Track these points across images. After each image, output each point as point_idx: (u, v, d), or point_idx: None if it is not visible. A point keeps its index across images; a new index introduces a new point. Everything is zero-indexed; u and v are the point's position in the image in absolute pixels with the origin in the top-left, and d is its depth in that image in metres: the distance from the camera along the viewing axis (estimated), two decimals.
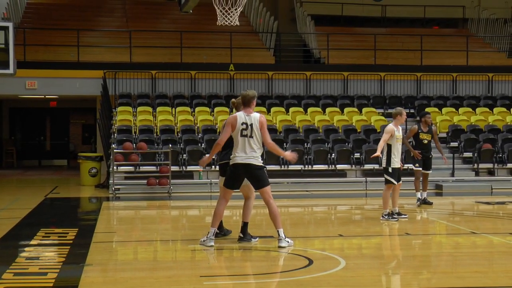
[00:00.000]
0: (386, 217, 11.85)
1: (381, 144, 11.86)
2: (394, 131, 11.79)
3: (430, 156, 14.11)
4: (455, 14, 29.06)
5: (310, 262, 8.21)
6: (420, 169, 13.94)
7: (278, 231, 9.15)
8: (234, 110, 9.93)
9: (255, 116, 9.09)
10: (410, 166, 15.03)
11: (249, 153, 9.02)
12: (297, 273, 7.65)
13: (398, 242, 10.39)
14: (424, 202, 13.94)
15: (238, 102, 9.61)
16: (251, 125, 9.04)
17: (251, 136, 9.03)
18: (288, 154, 9.50)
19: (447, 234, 11.16)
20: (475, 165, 18.75)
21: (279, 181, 17.07)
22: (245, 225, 9.59)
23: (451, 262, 8.62)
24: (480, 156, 18.70)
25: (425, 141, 13.98)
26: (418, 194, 13.95)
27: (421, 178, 13.99)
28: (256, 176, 9.10)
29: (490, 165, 18.77)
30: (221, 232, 9.84)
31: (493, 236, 10.43)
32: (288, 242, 9.11)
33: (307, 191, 17.31)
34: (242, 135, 9.06)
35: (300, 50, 25.74)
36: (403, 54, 24.40)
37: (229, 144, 9.31)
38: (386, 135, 11.78)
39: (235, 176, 9.19)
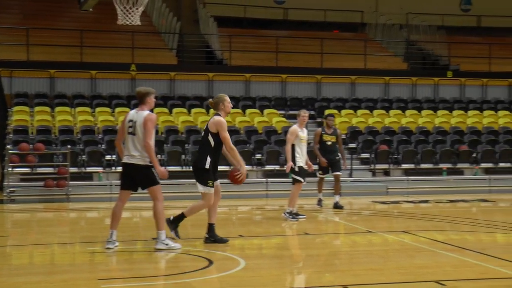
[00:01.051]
0: (288, 215, 12.14)
1: (288, 149, 12.13)
2: (298, 132, 12.15)
3: (337, 158, 14.09)
4: (354, 19, 29.80)
5: (210, 263, 8.22)
6: (324, 176, 14.06)
7: (158, 232, 8.97)
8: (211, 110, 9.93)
9: (143, 114, 8.89)
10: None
11: (132, 152, 8.87)
12: (197, 274, 7.64)
13: (297, 241, 10.55)
14: (336, 206, 13.95)
15: (215, 102, 9.66)
16: (136, 122, 8.88)
17: (134, 134, 8.87)
18: (160, 170, 8.97)
19: (345, 233, 11.43)
20: (372, 165, 19.30)
21: (180, 182, 16.97)
22: (210, 227, 9.59)
23: (348, 261, 8.84)
24: (377, 157, 19.26)
25: (329, 143, 13.98)
26: (320, 195, 14.15)
27: (334, 181, 14.19)
28: (140, 176, 8.96)
29: (386, 166, 19.35)
30: (211, 238, 9.68)
31: (388, 235, 10.77)
32: (167, 245, 8.95)
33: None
34: (128, 133, 8.93)
35: (203, 51, 25.71)
36: (304, 57, 24.80)
37: (203, 148, 9.39)
38: (291, 136, 12.09)
39: (123, 175, 9.09)
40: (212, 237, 9.61)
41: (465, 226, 11.97)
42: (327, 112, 21.25)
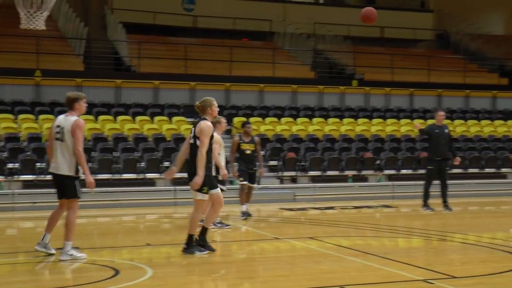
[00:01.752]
0: (219, 225, 12.27)
1: (215, 157, 12.11)
2: (221, 140, 12.20)
3: (255, 169, 13.70)
4: (263, 28, 30.13)
5: (117, 272, 8.10)
6: (245, 183, 13.61)
7: (65, 242, 8.77)
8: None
9: (71, 120, 8.69)
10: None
11: (59, 159, 8.67)
12: (103, 284, 7.51)
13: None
14: (243, 215, 13.69)
15: (202, 105, 9.39)
16: (63, 128, 8.67)
17: (62, 140, 8.66)
18: (89, 180, 8.82)
19: (253, 240, 11.50)
20: (280, 173, 19.54)
21: (85, 191, 16.60)
22: (189, 237, 9.38)
23: (256, 267, 8.90)
24: (285, 164, 19.51)
25: (248, 151, 13.56)
26: (244, 208, 13.69)
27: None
28: (63, 186, 8.77)
29: (293, 173, 19.64)
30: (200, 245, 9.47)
31: (295, 241, 10.92)
32: (71, 255, 8.74)
33: (115, 200, 17.05)
34: (55, 139, 8.70)
35: (111, 57, 25.37)
36: (213, 64, 24.87)
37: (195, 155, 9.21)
38: (217, 144, 12.04)
39: (53, 184, 8.87)
40: (189, 248, 9.43)
41: (369, 231, 12.28)
42: (236, 120, 21.44)
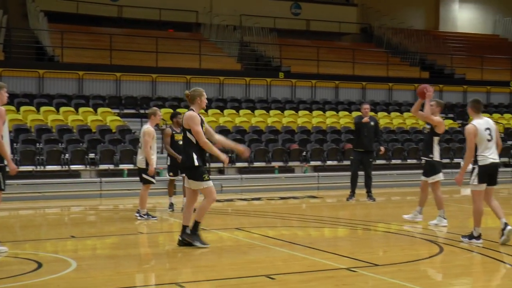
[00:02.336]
0: (145, 216, 12.20)
1: (148, 151, 12.06)
2: (154, 133, 12.18)
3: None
4: (189, 19, 29.97)
5: (39, 265, 7.96)
6: (175, 178, 13.33)
7: None
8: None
9: None
10: None
11: None
12: (25, 278, 7.36)
13: (132, 241, 10.45)
14: (170, 207, 13.49)
15: (192, 94, 9.22)
16: None
17: None
18: (12, 167, 8.72)
19: (180, 232, 11.47)
20: (207, 164, 19.51)
21: (9, 183, 16.22)
22: (183, 228, 9.33)
23: (183, 258, 8.89)
24: (211, 156, 19.43)
25: (181, 142, 13.24)
26: (171, 200, 13.50)
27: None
28: None
29: (220, 165, 19.65)
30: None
31: (222, 232, 10.96)
32: None
33: (39, 192, 16.70)
34: None
35: (32, 47, 24.76)
36: (139, 55, 24.59)
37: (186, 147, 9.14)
38: (149, 137, 12.02)
39: None
40: (187, 238, 9.34)
41: (295, 222, 12.45)
42: (163, 111, 21.26)
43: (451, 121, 25.86)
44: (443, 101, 12.86)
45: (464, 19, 37.44)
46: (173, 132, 13.13)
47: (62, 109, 20.50)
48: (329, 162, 20.78)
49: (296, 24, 31.63)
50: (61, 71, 22.32)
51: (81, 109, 20.76)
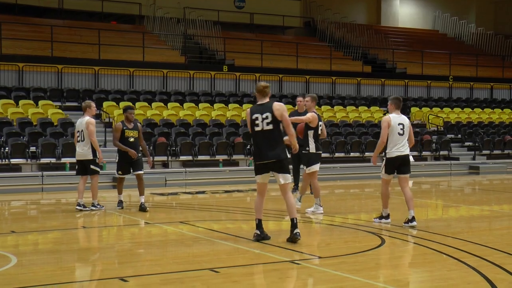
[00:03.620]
0: (98, 206, 12.46)
1: (94, 140, 12.19)
2: (89, 125, 12.30)
3: (140, 155, 12.52)
4: (132, 11, 29.67)
5: None
6: (124, 176, 12.71)
7: None
8: None
9: None
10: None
11: None
12: None
13: (75, 236, 10.32)
14: (141, 208, 12.49)
15: (267, 88, 9.05)
16: None
17: None
18: None
19: (124, 226, 11.39)
20: (151, 158, 19.37)
21: None
22: (292, 221, 9.05)
23: (126, 253, 8.83)
24: (155, 149, 19.40)
25: (132, 139, 12.39)
26: (121, 197, 12.91)
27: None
28: None
29: (164, 158, 19.58)
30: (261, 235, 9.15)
31: (166, 226, 10.92)
32: None
33: None
34: None
35: None
36: (81, 48, 24.25)
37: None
38: (93, 126, 12.19)
39: None
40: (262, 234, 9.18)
41: (239, 215, 12.49)
42: (105, 104, 21.07)
43: None
44: (316, 94, 13.25)
45: (405, 14, 38.09)
46: (124, 128, 12.45)
47: (1, 101, 20.09)
48: None
49: (240, 17, 31.65)
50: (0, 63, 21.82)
51: (21, 102, 20.36)
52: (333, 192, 17.67)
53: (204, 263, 7.89)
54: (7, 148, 17.43)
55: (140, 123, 12.73)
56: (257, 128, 8.99)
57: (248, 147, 20.56)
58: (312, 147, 11.95)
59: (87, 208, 12.36)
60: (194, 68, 25.54)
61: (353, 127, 23.98)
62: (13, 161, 17.47)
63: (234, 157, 20.35)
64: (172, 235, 10.13)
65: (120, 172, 12.67)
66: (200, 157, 19.87)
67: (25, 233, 10.13)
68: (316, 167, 11.97)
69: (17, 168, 17.54)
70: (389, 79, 29.32)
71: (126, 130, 12.41)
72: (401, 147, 10.47)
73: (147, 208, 12.48)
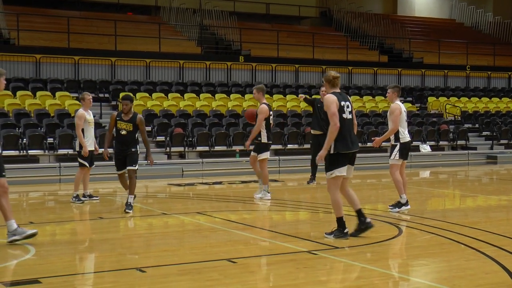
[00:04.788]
0: (74, 199, 12.24)
1: (80, 134, 12.12)
2: (86, 115, 12.20)
3: (133, 150, 11.21)
4: (148, 2, 29.70)
5: None
6: (121, 172, 11.50)
7: None
8: None
9: None
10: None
11: None
12: None
13: (92, 226, 10.37)
14: (127, 205, 11.70)
15: (338, 79, 8.79)
16: None
17: None
18: None
19: (140, 216, 11.40)
20: (167, 148, 19.45)
21: None
22: (358, 212, 8.90)
23: (143, 243, 8.86)
24: (172, 140, 19.44)
25: (123, 132, 11.15)
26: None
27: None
28: None
29: (181, 149, 19.61)
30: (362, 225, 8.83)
31: (183, 216, 10.94)
32: None
33: None
34: None
35: None
36: (98, 39, 24.31)
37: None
38: (80, 121, 12.10)
39: None
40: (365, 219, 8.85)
41: (256, 205, 12.48)
42: (122, 95, 21.10)
43: (409, 105, 26.15)
44: (263, 85, 13.79)
45: (422, 3, 37.80)
46: (117, 118, 11.24)
47: (19, 93, 20.18)
48: (289, 146, 20.87)
49: (256, 7, 31.55)
50: (17, 54, 21.96)
51: (38, 93, 20.46)
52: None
53: (221, 253, 7.90)
54: (25, 140, 17.53)
55: (142, 117, 11.38)
56: (344, 115, 8.64)
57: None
58: (264, 138, 12.71)
59: (79, 200, 12.22)
60: (210, 59, 25.53)
61: (369, 117, 23.88)
62: (31, 152, 17.57)
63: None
64: (189, 226, 10.15)
65: (116, 169, 11.61)
66: (217, 148, 19.88)
67: (43, 224, 10.19)
68: (266, 154, 12.77)
69: (34, 159, 17.64)
70: (406, 69, 29.14)
71: (118, 121, 11.18)
72: (408, 132, 11.30)
73: (130, 211, 11.07)
